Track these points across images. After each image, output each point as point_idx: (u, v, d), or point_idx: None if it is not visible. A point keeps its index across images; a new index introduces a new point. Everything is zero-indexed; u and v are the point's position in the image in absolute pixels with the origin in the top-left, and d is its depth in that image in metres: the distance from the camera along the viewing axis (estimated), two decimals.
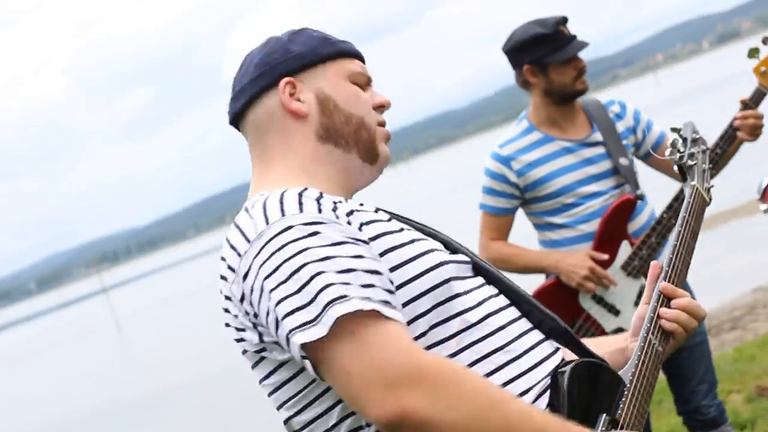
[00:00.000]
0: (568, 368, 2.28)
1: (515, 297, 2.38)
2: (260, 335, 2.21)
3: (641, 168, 5.00)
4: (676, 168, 2.86)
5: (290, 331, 2.04)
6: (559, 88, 4.81)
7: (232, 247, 2.21)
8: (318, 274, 2.05)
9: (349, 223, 2.20)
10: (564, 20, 4.79)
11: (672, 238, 2.62)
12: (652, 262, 2.55)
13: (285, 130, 2.43)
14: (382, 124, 2.48)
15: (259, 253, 2.13)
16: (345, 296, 2.02)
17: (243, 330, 2.25)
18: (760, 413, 6.52)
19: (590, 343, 2.54)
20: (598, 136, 4.85)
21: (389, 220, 2.35)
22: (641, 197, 4.76)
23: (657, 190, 4.99)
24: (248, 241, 2.16)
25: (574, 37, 4.78)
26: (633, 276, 4.77)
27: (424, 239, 2.33)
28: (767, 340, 8.23)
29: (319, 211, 2.17)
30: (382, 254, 2.20)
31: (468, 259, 2.39)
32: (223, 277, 2.25)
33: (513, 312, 2.35)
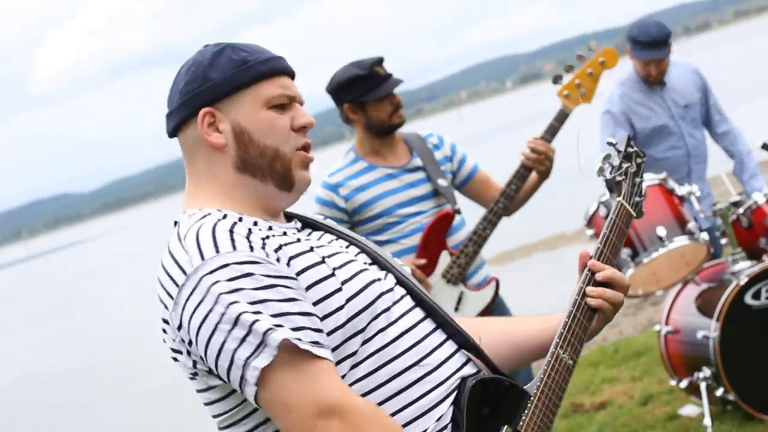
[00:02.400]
0: (469, 382, 2.46)
1: (430, 310, 2.57)
2: (194, 362, 2.37)
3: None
4: (605, 184, 2.88)
5: (243, 367, 2.23)
6: (377, 123, 5.25)
7: (170, 277, 2.35)
8: (255, 321, 2.22)
9: (278, 259, 2.34)
10: (379, 61, 5.24)
11: (597, 244, 2.72)
12: (581, 251, 2.72)
13: (208, 157, 2.54)
14: (304, 146, 2.56)
15: (195, 288, 2.27)
16: (279, 326, 2.22)
17: (179, 352, 2.40)
18: (575, 428, 6.94)
19: (533, 320, 2.76)
20: (417, 162, 5.28)
21: (313, 236, 2.55)
22: (458, 212, 5.22)
23: (475, 209, 5.44)
24: (185, 273, 2.30)
25: (390, 75, 5.22)
26: (452, 283, 5.19)
27: (349, 262, 2.49)
28: (580, 361, 8.69)
29: (251, 249, 2.31)
30: (310, 286, 2.37)
31: (385, 271, 2.58)
32: (161, 301, 2.39)
33: (429, 324, 2.54)
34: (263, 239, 2.37)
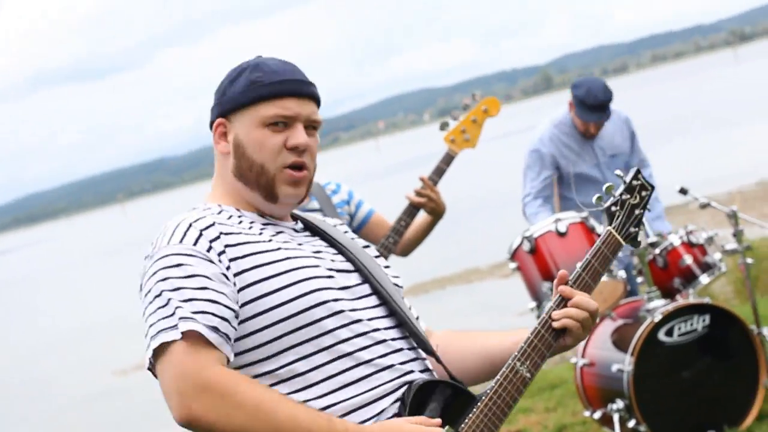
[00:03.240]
0: (416, 382, 2.71)
1: (401, 320, 2.84)
2: None
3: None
4: (603, 213, 2.94)
5: (151, 338, 2.58)
6: None
7: (151, 247, 2.74)
8: (169, 300, 2.58)
9: (222, 252, 2.67)
10: None
11: (577, 268, 2.82)
12: (560, 271, 2.83)
13: (219, 160, 2.91)
14: (294, 164, 2.82)
15: (147, 269, 2.68)
16: (174, 326, 2.55)
17: None
18: None
19: (507, 334, 2.94)
20: (315, 204, 5.48)
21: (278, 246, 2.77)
22: None
23: None
24: (151, 252, 2.71)
25: None
26: None
27: (314, 266, 2.76)
28: None
29: (195, 243, 2.67)
30: (253, 283, 2.67)
31: (362, 280, 2.85)
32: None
33: (395, 332, 2.81)
34: (221, 234, 2.70)
